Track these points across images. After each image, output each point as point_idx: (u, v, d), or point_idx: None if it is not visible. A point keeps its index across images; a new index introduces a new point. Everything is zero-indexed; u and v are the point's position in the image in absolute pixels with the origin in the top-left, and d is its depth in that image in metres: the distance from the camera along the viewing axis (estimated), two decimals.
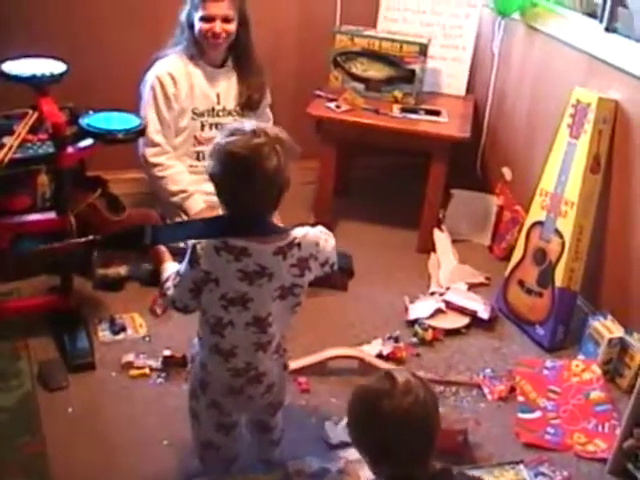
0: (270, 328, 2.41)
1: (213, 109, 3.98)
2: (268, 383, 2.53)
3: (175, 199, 3.89)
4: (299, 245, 2.36)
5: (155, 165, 3.88)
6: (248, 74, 4.00)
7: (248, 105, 4.04)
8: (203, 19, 3.76)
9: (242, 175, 2.25)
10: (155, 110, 3.83)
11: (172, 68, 3.86)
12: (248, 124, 2.29)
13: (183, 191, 3.89)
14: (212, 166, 2.30)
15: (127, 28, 4.28)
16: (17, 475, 2.83)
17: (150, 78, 3.86)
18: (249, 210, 2.31)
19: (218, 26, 3.76)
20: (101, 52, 4.31)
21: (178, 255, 2.47)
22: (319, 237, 2.44)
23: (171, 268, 2.52)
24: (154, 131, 3.83)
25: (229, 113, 4.02)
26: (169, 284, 2.46)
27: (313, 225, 2.52)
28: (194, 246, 2.33)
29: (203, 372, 2.53)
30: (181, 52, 3.89)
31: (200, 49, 3.88)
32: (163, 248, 2.65)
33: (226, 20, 3.77)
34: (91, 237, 3.02)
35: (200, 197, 3.90)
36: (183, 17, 3.83)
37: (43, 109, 3.19)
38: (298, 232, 2.39)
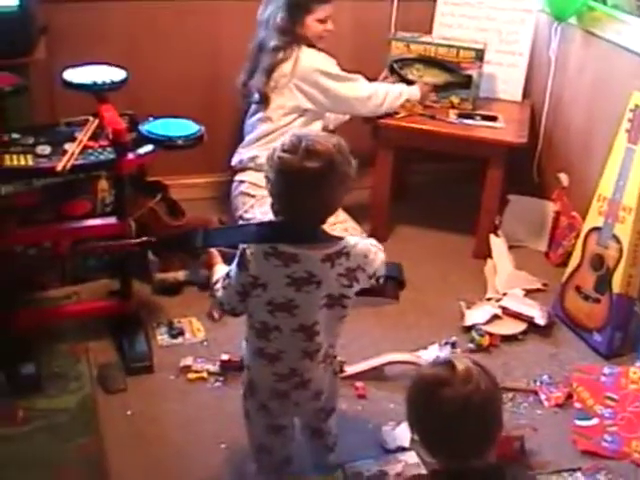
0: (317, 337, 2.42)
1: None
2: (316, 390, 2.53)
3: (399, 98, 4.23)
4: (347, 254, 2.35)
5: (372, 91, 4.14)
6: None
7: None
8: (319, 21, 3.98)
9: (296, 188, 2.26)
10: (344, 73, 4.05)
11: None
12: (311, 135, 2.29)
13: (401, 91, 4.23)
14: (268, 172, 2.31)
15: (186, 35, 4.32)
16: (76, 475, 2.88)
17: (316, 65, 3.99)
18: (302, 220, 2.32)
19: (330, 25, 4.03)
20: (160, 59, 4.36)
21: (230, 259, 2.49)
22: (369, 249, 2.43)
23: (221, 270, 2.55)
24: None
25: None
26: (218, 286, 2.49)
27: (367, 237, 2.53)
28: (244, 250, 2.34)
29: (249, 375, 2.56)
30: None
31: (312, 45, 4.03)
32: (215, 251, 2.69)
33: (331, 19, 4.02)
34: (145, 238, 3.07)
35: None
36: (281, 22, 3.92)
37: (104, 116, 3.24)
38: (349, 241, 2.38)
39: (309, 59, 3.97)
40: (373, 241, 2.54)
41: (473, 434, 2.00)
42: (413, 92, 4.28)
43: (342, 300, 2.40)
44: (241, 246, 2.37)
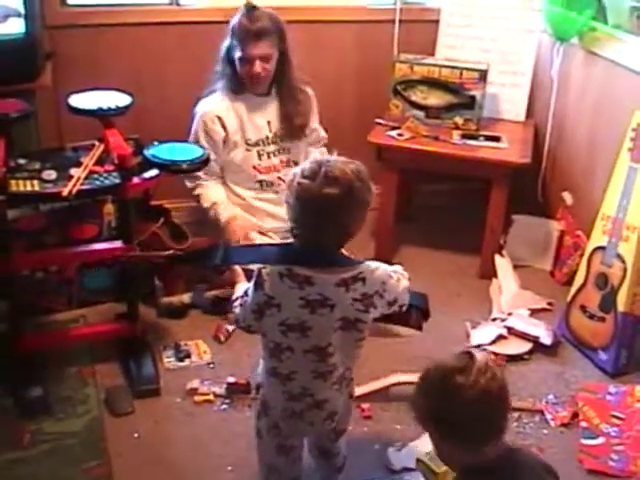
0: (330, 358, 2.42)
1: (267, 137, 4.00)
2: (330, 411, 2.54)
3: (210, 214, 3.90)
4: (364, 280, 2.35)
5: (194, 187, 3.91)
6: (288, 101, 3.99)
7: (291, 133, 4.04)
8: (242, 60, 3.79)
9: (315, 214, 2.27)
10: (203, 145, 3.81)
11: (218, 109, 3.88)
12: (331, 161, 2.29)
13: (214, 203, 3.88)
14: (288, 197, 2.32)
15: (190, 59, 4.36)
16: None
17: (197, 119, 3.89)
18: (320, 244, 2.33)
19: (257, 66, 3.78)
20: (164, 84, 4.41)
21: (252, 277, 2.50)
22: (389, 275, 2.44)
23: (242, 288, 2.57)
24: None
25: (282, 139, 4.04)
26: (236, 303, 2.51)
27: (391, 263, 2.54)
28: (260, 270, 2.36)
29: (263, 394, 2.58)
30: (225, 88, 3.91)
31: (243, 83, 3.89)
32: (238, 269, 2.72)
33: (265, 59, 3.79)
34: (171, 252, 3.10)
35: (231, 207, 3.93)
36: (223, 53, 3.86)
37: (109, 141, 3.25)
38: (368, 266, 2.38)
39: (202, 105, 3.93)
40: (398, 268, 2.55)
41: (490, 421, 2.05)
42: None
43: (357, 324, 2.41)
44: (258, 266, 2.39)
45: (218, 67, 3.93)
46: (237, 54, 3.79)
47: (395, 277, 2.47)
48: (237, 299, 2.53)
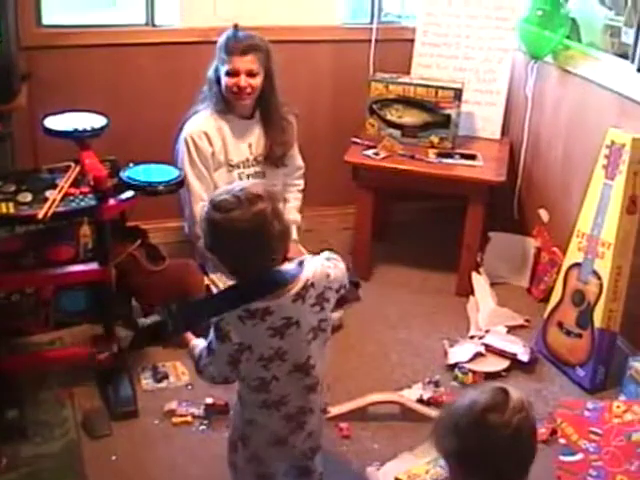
0: (313, 370, 2.43)
1: (247, 160, 4.00)
2: (309, 430, 2.54)
3: None
4: (312, 285, 2.35)
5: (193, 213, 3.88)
6: (271, 129, 4.02)
7: (270, 160, 4.05)
8: (228, 73, 3.80)
9: (257, 238, 2.25)
10: (191, 167, 3.84)
11: (204, 126, 3.89)
12: (237, 187, 2.29)
13: None
14: (210, 240, 2.30)
15: (167, 80, 4.37)
16: None
17: (184, 137, 3.88)
18: (258, 272, 2.31)
19: (243, 80, 3.79)
20: (141, 105, 4.41)
21: (204, 329, 2.45)
22: (328, 266, 2.43)
23: (199, 345, 2.52)
24: (199, 189, 3.86)
25: (262, 163, 4.05)
26: (204, 362, 2.46)
27: (320, 251, 2.54)
28: (217, 323, 2.33)
29: (247, 427, 2.53)
30: (210, 108, 3.91)
31: (228, 103, 3.90)
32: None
33: (251, 74, 3.80)
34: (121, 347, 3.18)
35: None
36: (211, 73, 3.88)
37: (85, 162, 3.25)
38: (308, 272, 2.36)
39: (188, 125, 3.92)
40: (329, 254, 2.54)
41: (520, 460, 2.03)
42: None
43: (321, 324, 2.41)
44: (213, 320, 2.36)
45: (205, 88, 3.94)
46: (224, 68, 3.81)
47: (332, 265, 2.46)
48: (200, 359, 2.48)
